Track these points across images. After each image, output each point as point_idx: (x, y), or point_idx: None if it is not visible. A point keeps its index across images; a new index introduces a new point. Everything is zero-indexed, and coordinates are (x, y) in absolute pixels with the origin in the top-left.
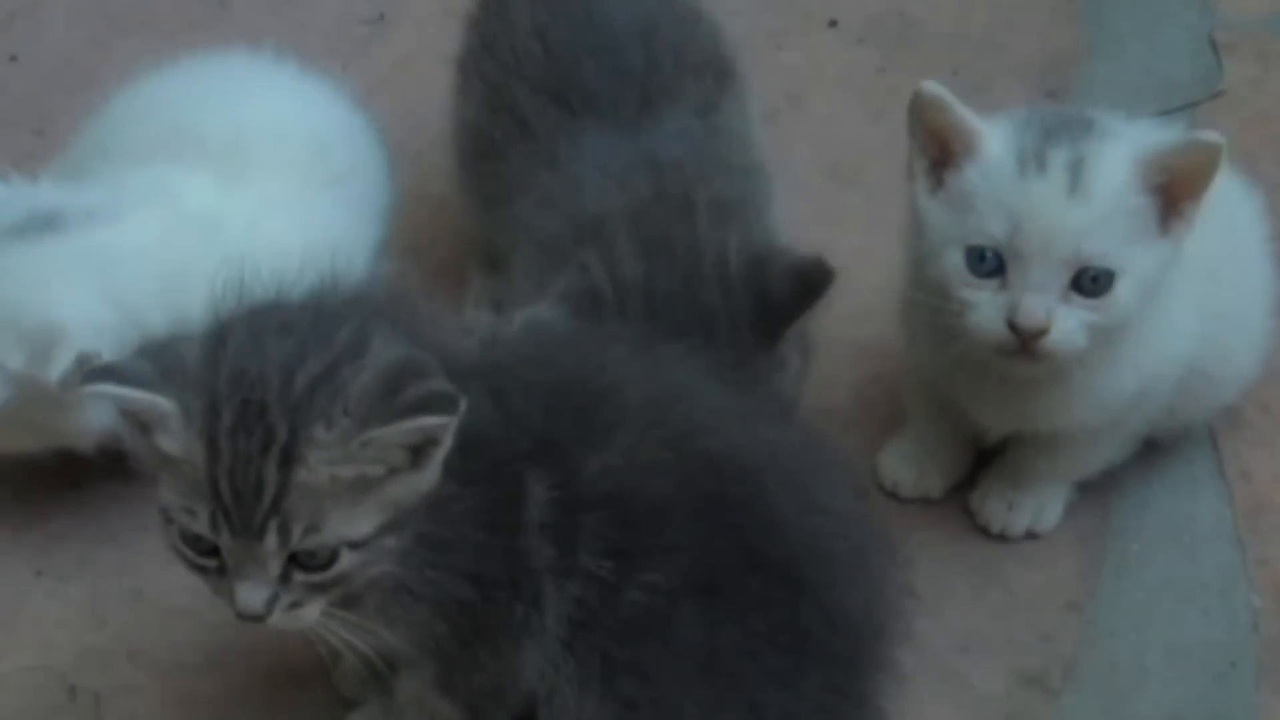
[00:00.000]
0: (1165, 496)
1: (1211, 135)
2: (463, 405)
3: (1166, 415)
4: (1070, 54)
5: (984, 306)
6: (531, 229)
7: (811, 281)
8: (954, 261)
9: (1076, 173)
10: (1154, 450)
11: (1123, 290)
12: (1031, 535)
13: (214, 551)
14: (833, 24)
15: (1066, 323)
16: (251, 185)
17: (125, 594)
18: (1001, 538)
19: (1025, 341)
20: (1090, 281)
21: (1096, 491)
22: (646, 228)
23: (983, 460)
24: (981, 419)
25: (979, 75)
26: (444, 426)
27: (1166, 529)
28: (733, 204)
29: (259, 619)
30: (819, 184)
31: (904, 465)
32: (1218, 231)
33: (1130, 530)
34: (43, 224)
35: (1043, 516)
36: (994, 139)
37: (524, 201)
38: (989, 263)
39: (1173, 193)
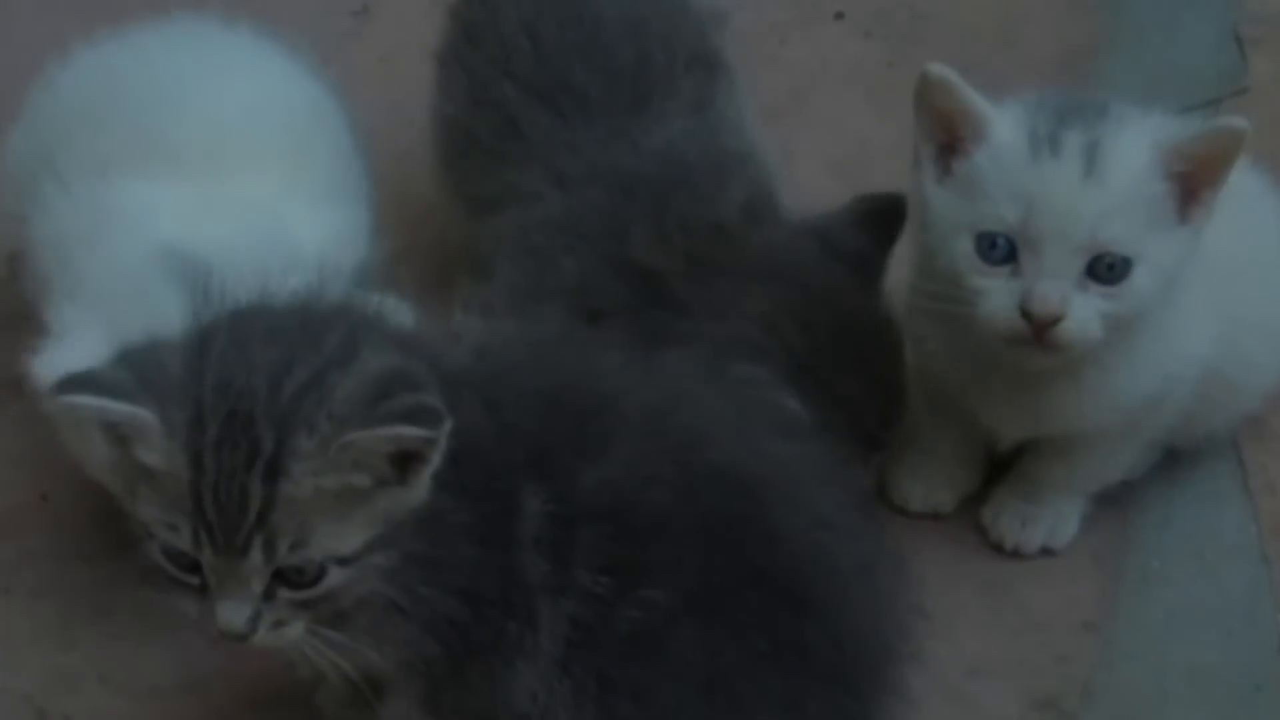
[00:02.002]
0: (1187, 511)
1: (1236, 121)
2: (448, 424)
3: (1186, 422)
4: (1087, 47)
5: (996, 295)
6: (530, 242)
7: (885, 217)
8: (964, 249)
9: (1092, 156)
10: (1175, 462)
11: (1140, 278)
12: (1046, 552)
13: (196, 568)
14: (839, 16)
15: (1082, 311)
16: (232, 189)
17: (97, 613)
18: (1015, 554)
19: (1039, 330)
20: (1106, 269)
21: (1114, 506)
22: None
23: (995, 474)
24: (993, 422)
25: (992, 70)
26: (426, 440)
27: (1188, 545)
28: (765, 197)
29: (242, 638)
30: (824, 184)
31: (913, 478)
32: (1239, 231)
33: (1150, 546)
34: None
35: (1058, 532)
36: (1004, 122)
37: (517, 209)
38: (1000, 249)
39: (1193, 180)
